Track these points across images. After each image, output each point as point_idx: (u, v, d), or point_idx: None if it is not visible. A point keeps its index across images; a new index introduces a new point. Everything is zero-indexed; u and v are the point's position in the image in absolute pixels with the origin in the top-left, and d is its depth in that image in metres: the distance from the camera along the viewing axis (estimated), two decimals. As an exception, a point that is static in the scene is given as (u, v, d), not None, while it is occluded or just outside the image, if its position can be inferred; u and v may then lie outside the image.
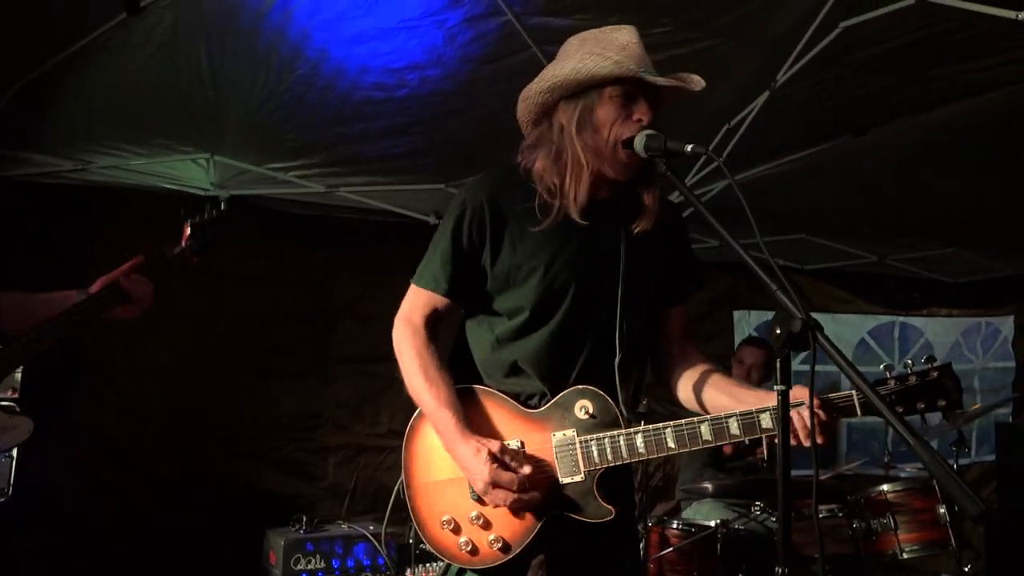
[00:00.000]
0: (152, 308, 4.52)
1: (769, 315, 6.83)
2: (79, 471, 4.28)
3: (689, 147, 1.82)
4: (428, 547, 2.02)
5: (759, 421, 1.87)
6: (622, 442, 1.92)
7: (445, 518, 1.99)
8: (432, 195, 5.01)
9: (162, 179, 4.69)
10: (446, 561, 2.02)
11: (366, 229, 5.25)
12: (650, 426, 1.93)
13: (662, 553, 3.62)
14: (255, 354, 4.76)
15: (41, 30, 3.26)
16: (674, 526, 3.77)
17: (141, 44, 3.42)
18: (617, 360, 2.01)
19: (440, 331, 2.12)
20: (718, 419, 1.90)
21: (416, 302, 2.12)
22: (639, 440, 1.92)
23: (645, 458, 1.94)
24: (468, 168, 4.72)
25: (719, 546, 3.60)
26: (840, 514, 3.93)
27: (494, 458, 1.88)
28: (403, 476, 2.06)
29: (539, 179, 2.02)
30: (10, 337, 2.01)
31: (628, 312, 2.03)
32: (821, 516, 3.97)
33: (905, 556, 3.75)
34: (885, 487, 3.92)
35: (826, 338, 1.46)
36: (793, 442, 1.84)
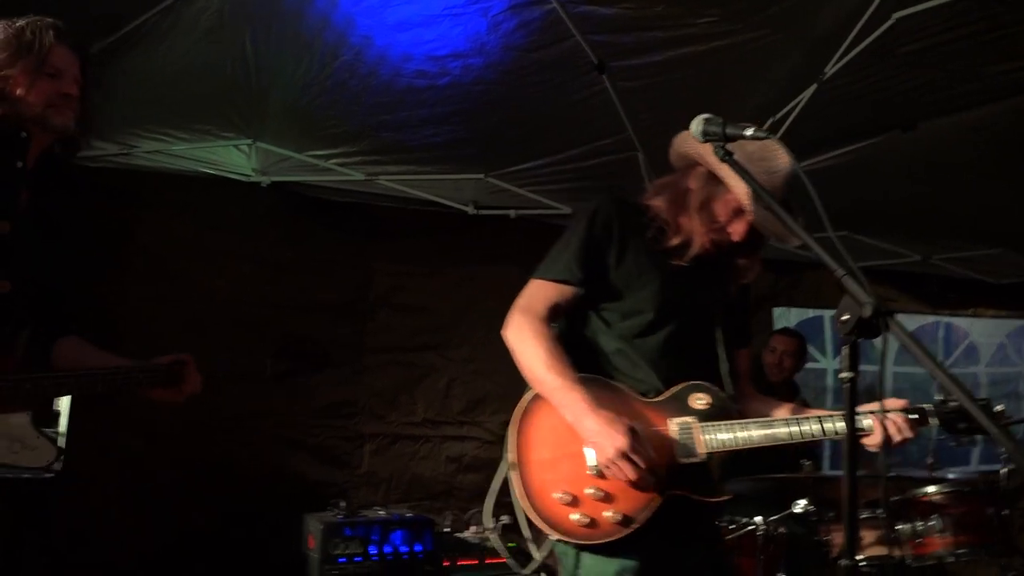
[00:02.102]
0: (191, 298, 4.61)
1: (810, 313, 6.73)
2: (120, 455, 4.33)
3: (749, 131, 1.80)
4: (538, 523, 2.04)
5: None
6: (738, 430, 2.10)
7: (559, 493, 2.04)
8: (472, 185, 5.00)
9: (204, 164, 4.73)
10: (555, 536, 2.04)
11: (405, 218, 5.23)
12: (763, 418, 2.14)
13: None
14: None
15: (90, 14, 3.29)
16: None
17: (187, 29, 3.44)
18: (725, 368, 2.25)
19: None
20: (828, 417, 2.11)
21: (540, 293, 2.22)
22: (754, 429, 2.10)
23: (757, 446, 2.10)
24: (509, 158, 4.70)
25: (758, 545, 3.55)
26: (882, 516, 3.85)
27: (631, 429, 1.98)
28: (512, 455, 2.10)
29: (656, 212, 2.25)
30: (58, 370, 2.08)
31: (727, 331, 2.28)
32: (862, 517, 3.90)
33: (951, 560, 3.67)
34: (930, 489, 3.84)
35: (899, 325, 1.41)
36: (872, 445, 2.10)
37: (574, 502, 2.03)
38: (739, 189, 2.09)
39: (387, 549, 3.96)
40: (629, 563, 2.04)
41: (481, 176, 4.88)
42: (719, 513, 2.37)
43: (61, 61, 2.01)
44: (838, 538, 3.82)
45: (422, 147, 4.48)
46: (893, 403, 2.11)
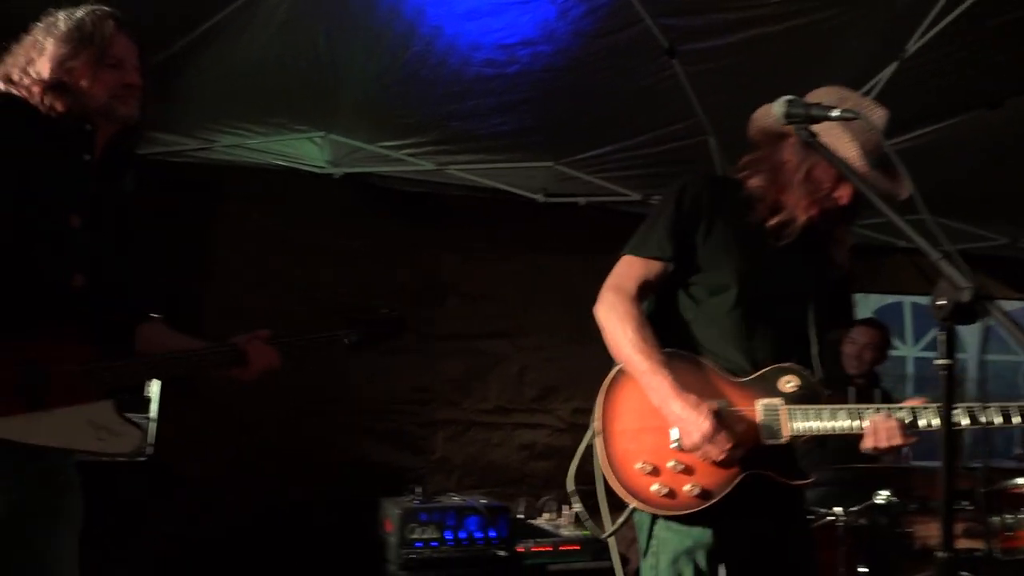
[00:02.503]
0: (269, 287, 4.72)
1: (890, 299, 6.55)
2: (203, 441, 4.46)
3: (836, 111, 1.75)
4: (618, 491, 2.09)
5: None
6: (825, 414, 2.07)
7: (641, 463, 2.08)
8: (541, 173, 4.99)
9: (279, 157, 4.83)
10: (634, 505, 2.09)
11: (474, 207, 5.26)
12: (853, 405, 2.08)
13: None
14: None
15: (170, 12, 3.39)
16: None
17: (263, 24, 3.51)
18: (815, 350, 2.22)
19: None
20: (923, 409, 2.05)
21: (630, 272, 2.22)
22: (841, 415, 2.07)
23: (844, 432, 2.07)
24: (578, 145, 4.68)
25: (839, 536, 3.48)
26: (971, 507, 3.72)
27: (715, 413, 1.99)
28: (598, 423, 2.15)
29: (752, 190, 2.22)
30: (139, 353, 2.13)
31: (817, 315, 2.23)
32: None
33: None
34: (1021, 480, 3.69)
35: (1000, 310, 1.36)
36: None
37: (655, 472, 2.07)
38: (846, 152, 2.05)
39: (462, 535, 4.01)
40: (703, 536, 2.08)
41: (550, 164, 4.87)
42: (800, 493, 2.31)
43: (122, 51, 2.01)
44: (921, 530, 3.71)
45: (491, 136, 4.50)
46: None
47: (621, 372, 2.18)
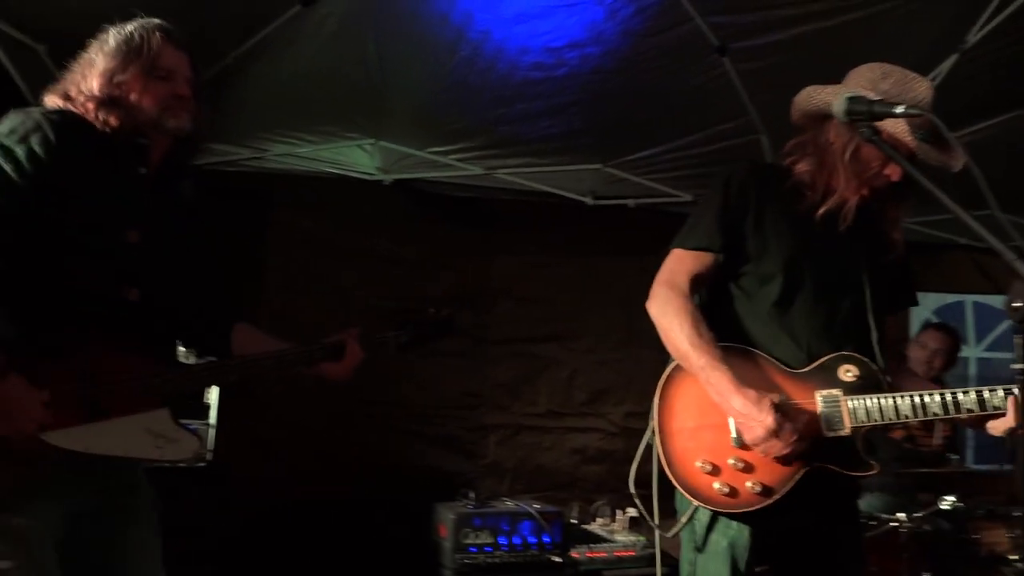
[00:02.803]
0: (323, 292, 4.78)
1: (949, 298, 6.36)
2: (259, 447, 4.54)
3: (900, 108, 1.70)
4: (679, 488, 2.08)
5: None
6: (888, 404, 2.02)
7: (701, 461, 2.06)
8: (590, 175, 4.96)
9: (330, 164, 4.89)
10: (696, 504, 2.08)
11: (524, 210, 5.26)
12: (916, 392, 2.03)
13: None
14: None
15: (223, 26, 3.45)
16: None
17: (313, 34, 3.56)
18: (875, 337, 2.15)
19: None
20: (981, 389, 2.00)
21: (680, 265, 2.18)
22: (905, 403, 2.01)
23: (908, 421, 2.04)
24: (627, 147, 4.65)
25: (902, 543, 3.39)
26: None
27: (776, 407, 1.96)
28: (654, 422, 2.14)
29: (801, 176, 2.18)
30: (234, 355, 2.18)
31: (875, 298, 2.17)
32: (1013, 515, 3.66)
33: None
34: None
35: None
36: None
37: (715, 471, 2.05)
38: (893, 127, 2.00)
39: (516, 540, 4.00)
40: (765, 533, 2.07)
41: (599, 166, 4.84)
42: (856, 491, 2.29)
43: (171, 62, 2.01)
44: (988, 536, 3.61)
45: (539, 139, 4.49)
46: None
47: (676, 369, 2.15)
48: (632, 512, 2.29)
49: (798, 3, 3.30)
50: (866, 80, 2.10)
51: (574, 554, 4.09)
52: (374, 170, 4.97)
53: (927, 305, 6.44)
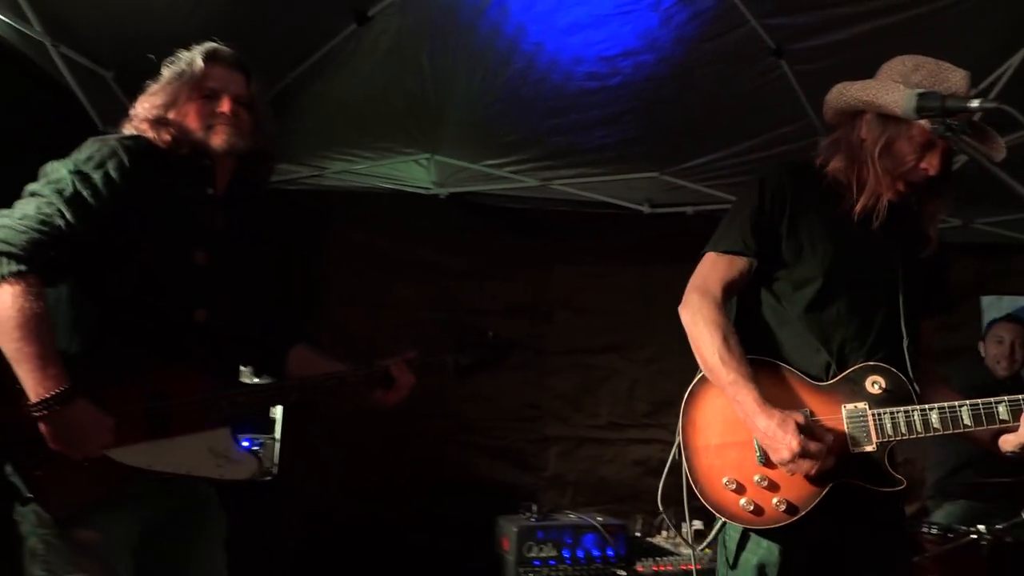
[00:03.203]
0: (382, 306, 4.83)
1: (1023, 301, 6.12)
2: (320, 462, 4.59)
3: (975, 102, 1.64)
4: (706, 505, 2.07)
5: None
6: (917, 417, 1.98)
7: (727, 479, 2.05)
8: (646, 183, 4.92)
9: (386, 180, 4.94)
10: (723, 520, 2.07)
11: (579, 221, 5.23)
12: (945, 403, 1.97)
13: (914, 559, 3.31)
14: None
15: (281, 48, 3.52)
16: (927, 530, 3.45)
17: (368, 52, 3.61)
18: (906, 343, 2.08)
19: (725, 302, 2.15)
20: (1017, 399, 1.93)
21: (714, 271, 2.15)
22: (934, 416, 1.97)
23: (939, 433, 1.98)
24: (683, 154, 4.60)
25: (983, 556, 3.25)
26: None
27: (801, 429, 1.92)
28: (679, 438, 2.14)
29: (834, 175, 2.13)
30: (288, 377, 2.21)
31: (908, 304, 2.11)
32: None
33: None
34: None
35: None
36: None
37: (740, 489, 2.03)
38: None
39: (580, 553, 3.96)
40: (794, 549, 2.04)
41: (655, 174, 4.80)
42: (896, 499, 2.17)
43: (216, 82, 2.05)
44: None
45: (594, 149, 4.47)
46: None
47: (699, 384, 2.14)
48: (698, 524, 2.24)
49: (857, 1, 3.23)
50: (897, 73, 2.06)
51: (639, 567, 4.03)
52: (430, 184, 5.01)
53: (1001, 308, 6.22)
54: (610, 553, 3.98)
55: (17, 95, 3.23)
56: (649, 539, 4.32)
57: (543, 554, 3.91)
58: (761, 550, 2.05)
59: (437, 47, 3.57)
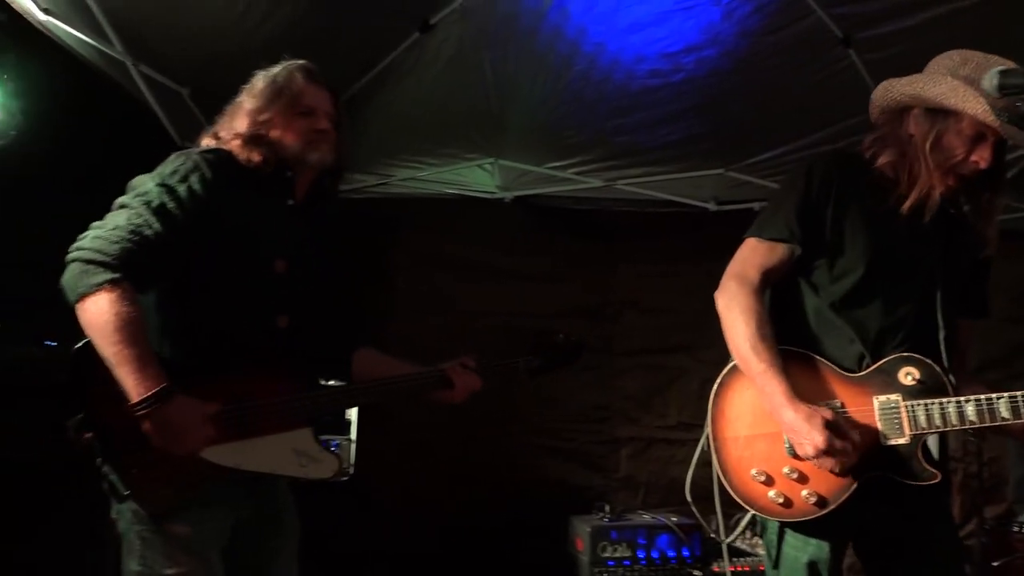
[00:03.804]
0: (450, 311, 4.88)
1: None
2: (394, 464, 4.67)
3: None
4: (734, 497, 2.06)
5: None
6: (952, 408, 1.94)
7: (755, 471, 2.04)
8: (711, 181, 4.87)
9: (451, 185, 5.01)
10: (752, 512, 2.06)
11: (645, 220, 5.20)
12: (982, 395, 1.92)
13: (1004, 560, 3.21)
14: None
15: (346, 59, 3.60)
16: (1018, 529, 3.33)
17: (431, 61, 3.67)
18: (943, 335, 2.05)
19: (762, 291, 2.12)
20: None
21: (753, 257, 2.12)
22: (970, 408, 1.92)
23: (975, 426, 1.93)
24: (748, 150, 4.54)
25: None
26: None
27: (828, 424, 1.89)
28: (709, 429, 2.13)
29: (882, 169, 2.10)
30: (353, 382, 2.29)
31: (946, 298, 2.07)
32: None
33: None
34: None
35: None
36: None
37: (769, 481, 2.02)
38: (973, 109, 1.91)
39: (654, 554, 3.94)
40: (826, 543, 2.03)
41: (721, 171, 4.74)
42: (938, 491, 2.09)
43: (312, 100, 2.14)
44: None
45: (658, 147, 4.45)
46: None
47: (728, 375, 2.13)
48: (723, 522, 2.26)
49: (928, -15, 3.16)
50: (945, 69, 2.03)
51: (715, 568, 3.99)
52: (495, 188, 5.05)
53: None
54: (685, 553, 3.95)
55: (101, 113, 3.37)
56: (728, 541, 4.25)
57: (617, 554, 3.90)
58: (811, 547, 2.03)
59: (498, 53, 3.61)
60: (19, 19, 3.19)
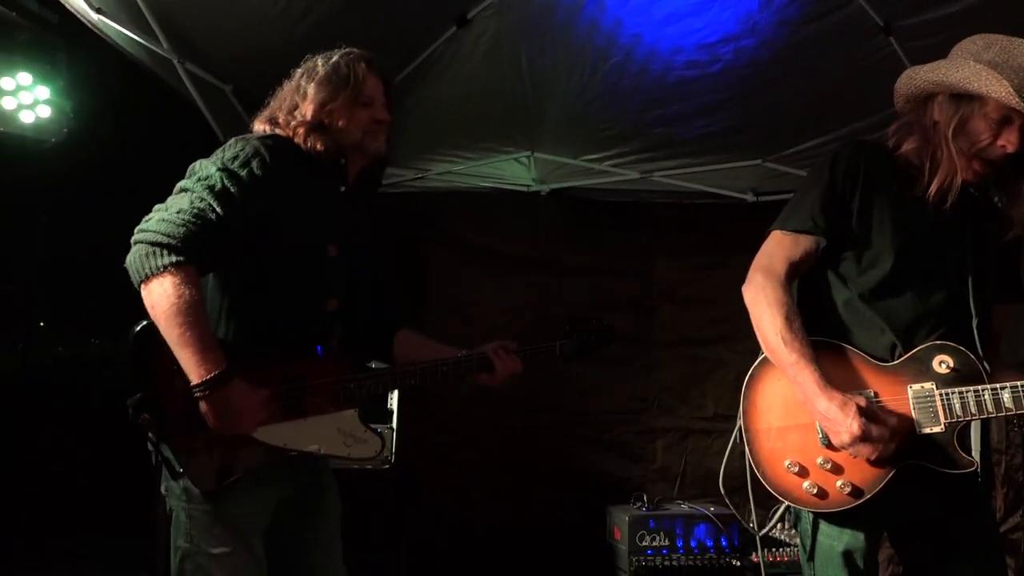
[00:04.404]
0: (486, 303, 4.92)
1: None
2: (434, 452, 4.75)
3: None
4: (768, 488, 2.06)
5: None
6: (987, 396, 1.93)
7: (789, 462, 2.03)
8: (749, 172, 4.85)
9: (487, 179, 5.04)
10: (787, 503, 2.06)
11: (682, 212, 5.21)
12: (1018, 382, 1.90)
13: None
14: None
15: (384, 53, 3.62)
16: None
17: (468, 55, 3.70)
18: (976, 323, 2.05)
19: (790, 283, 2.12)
20: None
21: (778, 250, 2.12)
22: (1006, 395, 1.91)
23: (1011, 413, 1.92)
24: (786, 140, 4.51)
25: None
26: None
27: (862, 412, 1.89)
28: (741, 421, 2.12)
29: (906, 157, 2.09)
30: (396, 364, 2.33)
31: (978, 284, 2.07)
32: None
33: None
34: None
35: None
36: None
37: (803, 472, 2.01)
38: (998, 92, 1.89)
39: (692, 543, 3.95)
40: (861, 533, 2.01)
41: (758, 162, 4.72)
42: (973, 479, 2.10)
43: (373, 90, 2.17)
44: None
45: (695, 139, 4.44)
46: None
47: (760, 366, 2.12)
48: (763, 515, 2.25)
49: (970, -30, 3.11)
50: (968, 53, 2.02)
51: (754, 558, 3.99)
52: (531, 181, 5.08)
53: None
54: (723, 543, 3.96)
55: (149, 111, 3.46)
56: (764, 532, 4.24)
57: (656, 543, 3.92)
58: (846, 536, 2.03)
59: (535, 47, 3.63)
60: (69, 21, 3.28)
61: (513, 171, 4.98)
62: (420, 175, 4.92)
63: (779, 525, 4.39)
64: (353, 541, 2.32)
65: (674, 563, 3.90)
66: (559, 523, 4.70)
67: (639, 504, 4.20)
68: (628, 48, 3.61)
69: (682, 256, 5.23)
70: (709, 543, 3.96)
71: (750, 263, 2.17)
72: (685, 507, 4.21)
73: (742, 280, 2.21)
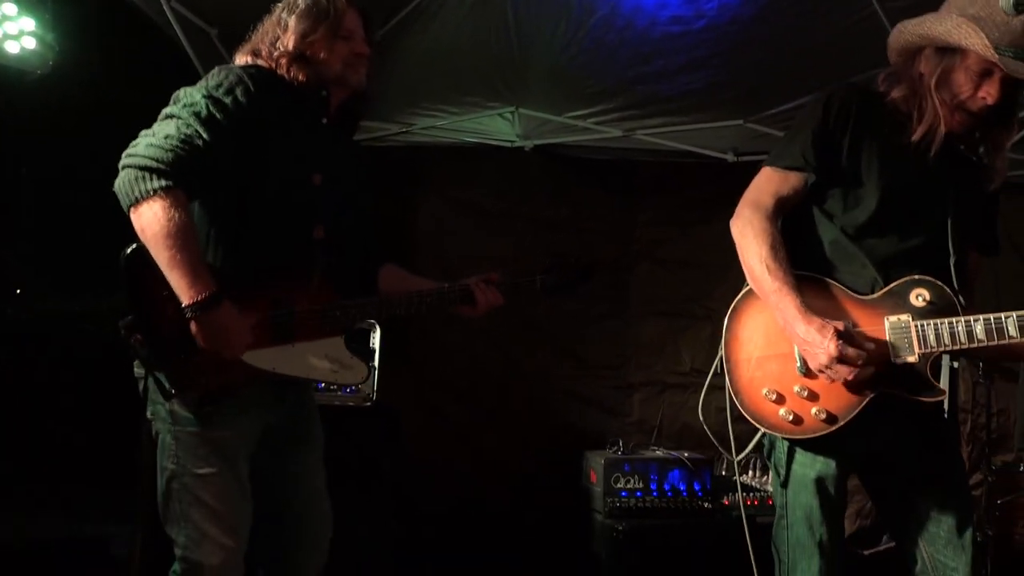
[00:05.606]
0: (468, 258, 4.97)
1: None
2: (414, 397, 4.80)
3: None
4: (745, 415, 2.14)
5: None
6: (961, 327, 2.00)
7: (767, 390, 2.11)
8: (731, 132, 4.90)
9: (471, 134, 5.05)
10: (763, 430, 2.14)
11: (663, 171, 5.24)
12: (991, 314, 1.97)
13: (1009, 498, 3.30)
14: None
15: (372, 4, 3.63)
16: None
17: (455, 6, 3.70)
18: (953, 260, 2.13)
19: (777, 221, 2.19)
20: None
21: (768, 186, 2.20)
22: (979, 327, 1.98)
23: (983, 345, 1.98)
24: (768, 100, 4.55)
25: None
26: None
27: (840, 334, 1.97)
28: (722, 352, 2.20)
29: (895, 104, 2.17)
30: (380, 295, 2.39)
31: (957, 227, 2.15)
32: None
33: None
34: None
35: None
36: None
37: (780, 399, 2.09)
38: (975, 45, 1.97)
39: (666, 487, 4.06)
40: (832, 461, 2.11)
41: (740, 122, 4.76)
42: (945, 425, 2.25)
43: (352, 23, 2.22)
44: None
45: (679, 96, 4.47)
46: None
47: (742, 300, 2.20)
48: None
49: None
50: (955, 8, 2.07)
51: (725, 501, 4.11)
52: (515, 137, 5.09)
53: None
54: (696, 487, 4.07)
55: (134, 49, 3.44)
56: (735, 478, 4.37)
57: (631, 485, 4.01)
58: (818, 464, 2.11)
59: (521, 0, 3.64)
60: (56, -43, 3.25)
61: (497, 127, 5.00)
62: (404, 130, 4.92)
63: (749, 473, 4.54)
64: (333, 478, 2.38)
65: (648, 505, 3.99)
66: (537, 469, 4.80)
67: (615, 448, 4.29)
68: (614, 2, 3.63)
69: (663, 214, 5.28)
70: (682, 487, 4.06)
71: (728, 222, 2.25)
72: (659, 452, 4.31)
73: (721, 239, 2.29)
